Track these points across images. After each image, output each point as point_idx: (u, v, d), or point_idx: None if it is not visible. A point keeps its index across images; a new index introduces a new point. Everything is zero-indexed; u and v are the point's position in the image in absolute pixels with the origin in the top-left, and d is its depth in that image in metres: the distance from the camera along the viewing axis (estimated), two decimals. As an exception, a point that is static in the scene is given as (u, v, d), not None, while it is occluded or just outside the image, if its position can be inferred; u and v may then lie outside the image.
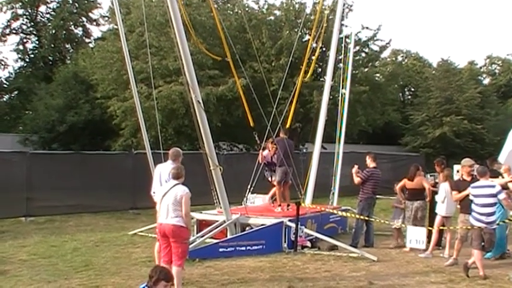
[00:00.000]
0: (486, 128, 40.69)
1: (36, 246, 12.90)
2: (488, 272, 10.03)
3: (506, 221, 11.23)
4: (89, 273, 10.00)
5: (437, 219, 12.14)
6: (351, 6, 28.22)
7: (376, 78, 32.44)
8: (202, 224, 13.35)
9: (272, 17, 30.65)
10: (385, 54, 38.18)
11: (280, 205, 14.11)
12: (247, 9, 30.74)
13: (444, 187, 12.05)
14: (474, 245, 9.98)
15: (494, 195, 9.84)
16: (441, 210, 12.08)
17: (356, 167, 13.44)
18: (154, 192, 9.99)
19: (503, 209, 10.98)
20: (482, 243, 9.92)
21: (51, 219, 17.44)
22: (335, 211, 14.61)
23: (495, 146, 30.93)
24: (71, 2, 41.74)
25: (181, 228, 8.33)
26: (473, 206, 10.14)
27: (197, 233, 12.81)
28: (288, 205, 14.10)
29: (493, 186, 9.97)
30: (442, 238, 12.63)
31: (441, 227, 12.18)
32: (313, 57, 18.78)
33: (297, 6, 30.00)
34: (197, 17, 26.45)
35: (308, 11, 28.55)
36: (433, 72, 47.66)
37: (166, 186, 8.72)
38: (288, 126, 16.76)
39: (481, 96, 42.72)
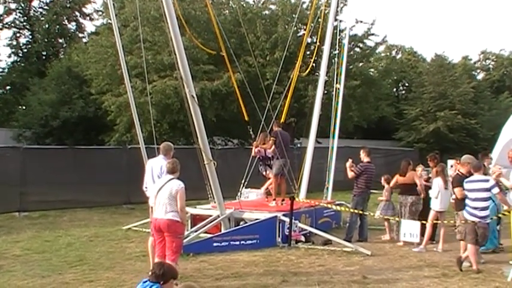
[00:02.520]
0: (480, 123, 40.75)
1: (30, 241, 12.88)
2: (481, 266, 10.07)
3: (500, 215, 11.28)
4: (83, 268, 9.99)
5: (431, 214, 12.17)
6: (346, 0, 28.22)
7: (371, 73, 32.48)
8: (196, 219, 13.37)
9: (267, 11, 30.62)
10: (380, 49, 38.24)
11: (274, 199, 14.11)
12: (242, 2, 30.71)
13: (437, 182, 12.08)
14: (468, 239, 10.01)
15: (488, 190, 9.87)
16: (435, 205, 12.11)
17: (350, 161, 13.46)
18: (146, 187, 9.98)
19: (494, 203, 11.00)
20: (476, 238, 9.95)
21: (45, 214, 17.42)
22: (329, 205, 14.65)
23: (489, 141, 30.97)
24: (63, -4, 41.64)
25: (177, 223, 8.31)
26: (467, 201, 10.17)
27: (191, 228, 12.81)
28: (283, 200, 14.09)
29: (487, 181, 10.00)
30: (435, 233, 12.67)
31: (435, 222, 12.23)
32: (312, 52, 18.76)
33: (293, 0, 29.98)
34: (192, 11, 26.41)
35: (304, 6, 28.56)
36: (427, 67, 47.70)
37: (161, 181, 8.68)
38: (282, 120, 16.77)
39: (474, 91, 42.78)
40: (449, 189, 12.32)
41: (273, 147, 14.08)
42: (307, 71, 19.11)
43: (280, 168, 13.98)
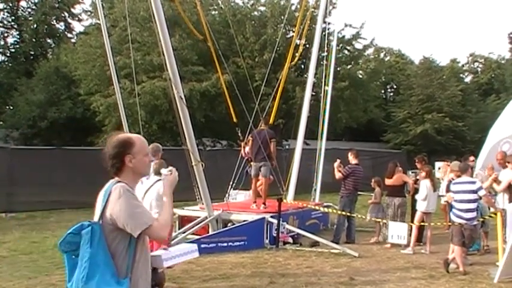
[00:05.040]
0: (467, 125, 41.07)
1: (16, 242, 12.79)
2: (468, 268, 10.12)
3: (486, 217, 11.35)
4: (70, 269, 9.92)
5: (417, 215, 12.21)
6: (335, 3, 28.34)
7: (359, 75, 32.63)
8: (184, 220, 13.32)
9: (257, 13, 30.67)
10: (368, 51, 38.43)
11: (255, 202, 13.94)
12: (232, 4, 30.75)
13: (426, 184, 12.11)
14: (454, 241, 10.04)
15: (475, 192, 9.91)
16: (421, 206, 12.14)
17: (338, 161, 13.48)
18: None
19: (479, 206, 11.05)
20: (463, 240, 10.00)
21: (32, 215, 17.30)
22: (317, 207, 14.66)
23: (476, 143, 31.23)
24: (52, -4, 41.43)
25: (165, 224, 8.27)
26: (453, 203, 10.21)
27: (179, 229, 12.78)
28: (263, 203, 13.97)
29: (474, 183, 10.04)
30: (423, 234, 12.72)
31: (422, 223, 12.27)
32: (300, 54, 18.66)
33: (282, 2, 30.05)
34: (181, 12, 26.38)
35: (293, 8, 28.64)
36: (415, 69, 47.98)
37: (148, 182, 8.66)
38: (271, 122, 16.77)
39: (462, 94, 43.11)
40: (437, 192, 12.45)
41: (244, 149, 13.99)
42: (296, 59, 18.96)
43: (268, 171, 13.81)
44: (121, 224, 3.47)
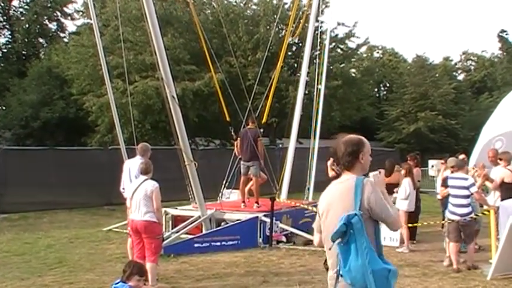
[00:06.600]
0: (460, 123, 41.12)
1: (9, 243, 12.74)
2: (461, 265, 10.13)
3: (480, 214, 11.36)
4: (63, 270, 9.90)
5: (402, 215, 12.11)
6: (327, 2, 28.35)
7: (352, 74, 32.67)
8: (177, 220, 13.30)
9: (249, 12, 30.65)
10: (361, 49, 38.43)
11: (244, 202, 13.91)
12: (225, 2, 30.72)
13: (407, 182, 12.07)
14: (451, 237, 10.05)
15: (467, 188, 9.92)
16: (403, 205, 12.07)
17: (331, 159, 13.45)
18: (123, 189, 9.93)
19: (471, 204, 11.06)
20: (459, 236, 10.00)
21: (25, 216, 17.22)
22: (310, 206, 14.65)
23: (469, 141, 31.27)
24: (44, -5, 41.23)
25: (154, 224, 8.26)
26: (449, 198, 10.23)
27: (172, 229, 12.75)
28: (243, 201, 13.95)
29: (466, 179, 10.05)
30: (414, 232, 12.70)
31: (414, 223, 12.26)
32: (293, 53, 18.63)
33: (274, 1, 30.06)
34: (173, 11, 26.37)
35: (286, 6, 28.63)
36: (408, 68, 48.03)
37: (136, 182, 8.65)
38: (264, 121, 16.74)
39: (455, 91, 43.16)
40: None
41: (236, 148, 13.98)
42: (297, 34, 18.80)
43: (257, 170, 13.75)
44: (376, 213, 4.05)
